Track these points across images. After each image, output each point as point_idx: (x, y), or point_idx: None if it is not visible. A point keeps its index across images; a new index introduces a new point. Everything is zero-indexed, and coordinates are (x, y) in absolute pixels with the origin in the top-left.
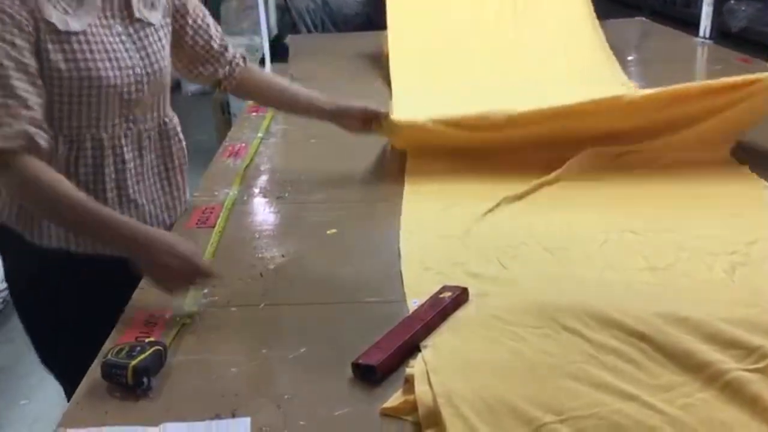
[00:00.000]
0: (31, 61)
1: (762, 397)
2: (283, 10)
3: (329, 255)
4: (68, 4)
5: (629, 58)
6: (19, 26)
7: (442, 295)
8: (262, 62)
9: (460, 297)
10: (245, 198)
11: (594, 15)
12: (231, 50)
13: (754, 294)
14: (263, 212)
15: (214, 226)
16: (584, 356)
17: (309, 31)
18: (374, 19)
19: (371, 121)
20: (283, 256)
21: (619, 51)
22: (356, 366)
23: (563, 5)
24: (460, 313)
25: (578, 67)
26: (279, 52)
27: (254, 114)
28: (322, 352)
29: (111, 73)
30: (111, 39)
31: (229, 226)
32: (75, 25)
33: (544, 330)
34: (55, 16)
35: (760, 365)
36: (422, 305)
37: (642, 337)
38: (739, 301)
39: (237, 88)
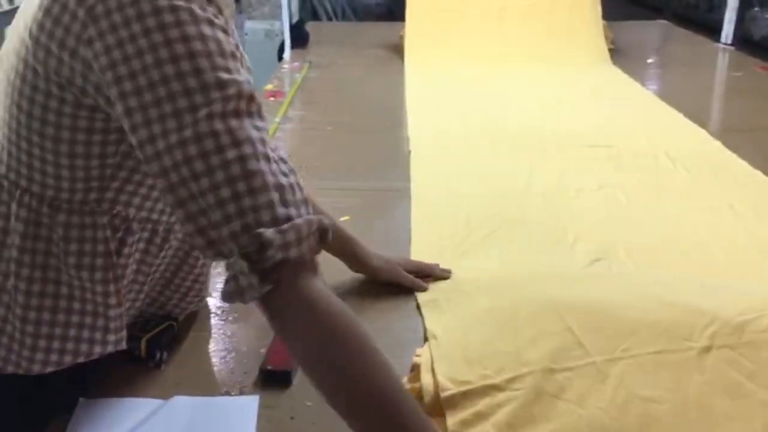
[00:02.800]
0: None
1: None
2: None
3: None
4: None
5: (649, 60)
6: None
7: None
8: (281, 48)
9: None
10: None
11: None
12: None
13: None
14: None
15: None
16: (578, 360)
17: (329, 19)
18: (394, 9)
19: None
20: None
21: (639, 53)
22: (268, 372)
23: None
24: (468, 304)
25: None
26: (299, 38)
27: (272, 99)
28: None
29: None
30: None
31: None
32: None
33: (549, 325)
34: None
35: None
36: None
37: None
38: None
39: None
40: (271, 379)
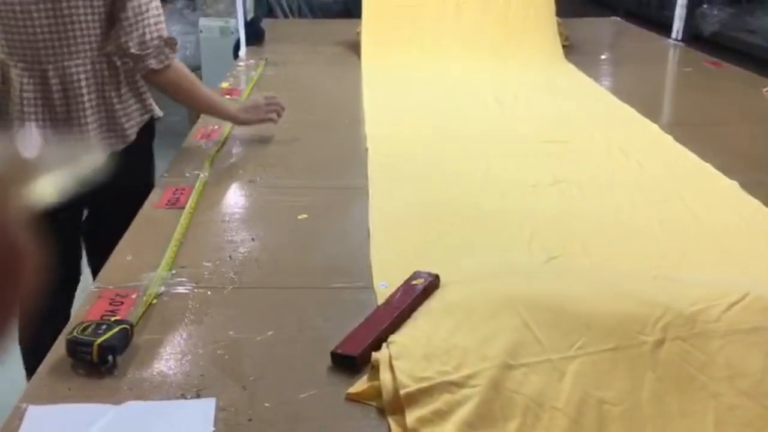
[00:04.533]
0: None
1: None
2: None
3: (299, 239)
4: None
5: (602, 56)
6: None
7: (414, 282)
8: (237, 46)
9: (432, 284)
10: (216, 180)
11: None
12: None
13: None
14: (234, 195)
15: (184, 207)
16: (535, 356)
17: (285, 16)
18: (351, 7)
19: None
20: (252, 239)
21: (592, 50)
22: (336, 355)
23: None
24: (426, 300)
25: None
26: (254, 35)
27: (228, 96)
28: (288, 335)
29: None
30: None
31: (200, 208)
32: None
33: (507, 321)
34: None
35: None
36: (395, 293)
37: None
38: None
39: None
40: (339, 361)
